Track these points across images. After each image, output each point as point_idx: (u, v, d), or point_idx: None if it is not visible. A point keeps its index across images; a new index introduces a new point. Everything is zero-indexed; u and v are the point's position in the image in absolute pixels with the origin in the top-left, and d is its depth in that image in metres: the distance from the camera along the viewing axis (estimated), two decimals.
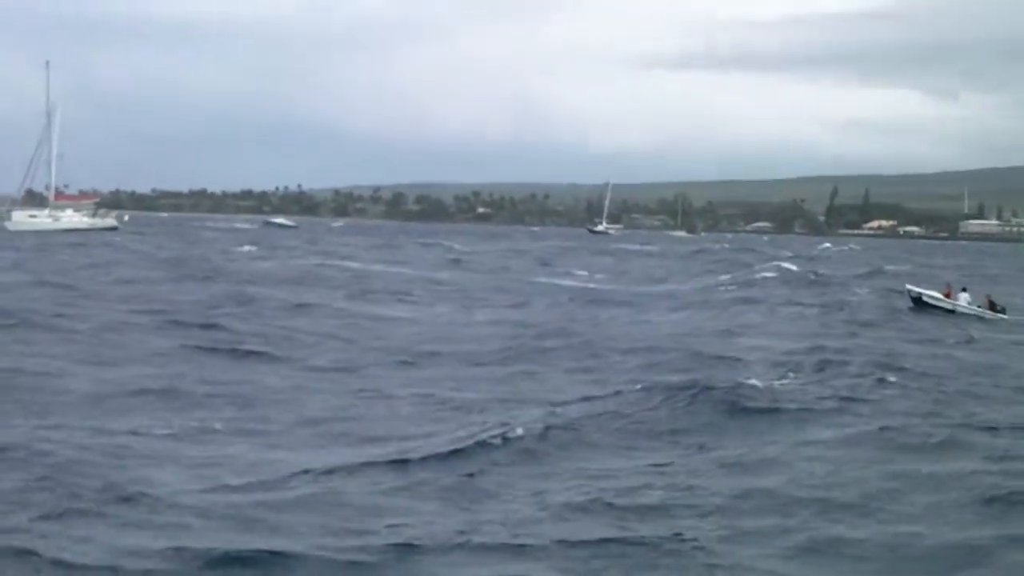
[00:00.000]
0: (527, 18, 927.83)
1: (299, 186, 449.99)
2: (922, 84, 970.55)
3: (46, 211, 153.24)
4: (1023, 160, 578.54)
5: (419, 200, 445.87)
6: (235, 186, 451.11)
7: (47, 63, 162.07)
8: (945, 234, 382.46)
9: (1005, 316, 60.38)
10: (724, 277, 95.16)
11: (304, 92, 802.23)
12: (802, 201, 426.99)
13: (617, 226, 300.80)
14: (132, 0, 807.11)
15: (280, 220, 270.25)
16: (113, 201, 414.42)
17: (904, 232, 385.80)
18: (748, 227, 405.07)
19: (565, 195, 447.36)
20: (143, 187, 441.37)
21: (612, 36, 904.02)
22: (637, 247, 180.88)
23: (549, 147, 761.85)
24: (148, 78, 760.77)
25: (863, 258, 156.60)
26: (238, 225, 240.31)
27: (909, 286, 66.75)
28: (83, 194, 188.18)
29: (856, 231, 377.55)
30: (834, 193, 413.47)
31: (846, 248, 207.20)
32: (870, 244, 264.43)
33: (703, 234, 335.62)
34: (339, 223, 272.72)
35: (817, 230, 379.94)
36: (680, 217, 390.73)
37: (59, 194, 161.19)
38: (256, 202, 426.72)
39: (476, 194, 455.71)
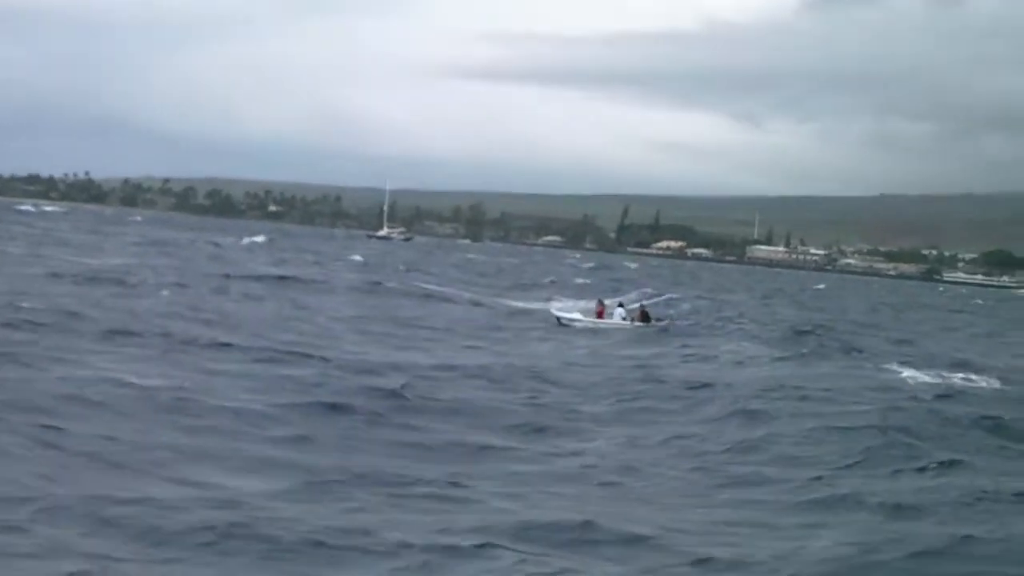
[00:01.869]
0: (336, 21, 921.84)
1: (87, 173, 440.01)
2: (728, 109, 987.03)
3: None
4: (817, 189, 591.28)
5: (210, 195, 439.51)
6: (23, 170, 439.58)
7: None
8: (732, 258, 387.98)
9: (663, 324, 61.90)
10: None
11: (100, 80, 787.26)
12: (593, 218, 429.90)
13: (400, 230, 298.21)
14: None
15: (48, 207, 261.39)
16: None
17: (692, 254, 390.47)
18: (539, 240, 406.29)
19: (362, 199, 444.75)
20: None
21: (420, 44, 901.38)
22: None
23: (349, 151, 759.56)
24: None
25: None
26: None
27: (554, 311, 66.02)
28: None
29: (645, 250, 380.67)
30: (625, 212, 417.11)
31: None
32: (648, 263, 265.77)
33: (488, 243, 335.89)
34: (138, 217, 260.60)
35: (607, 247, 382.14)
36: (462, 226, 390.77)
37: None
38: (43, 187, 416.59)
39: (268, 192, 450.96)
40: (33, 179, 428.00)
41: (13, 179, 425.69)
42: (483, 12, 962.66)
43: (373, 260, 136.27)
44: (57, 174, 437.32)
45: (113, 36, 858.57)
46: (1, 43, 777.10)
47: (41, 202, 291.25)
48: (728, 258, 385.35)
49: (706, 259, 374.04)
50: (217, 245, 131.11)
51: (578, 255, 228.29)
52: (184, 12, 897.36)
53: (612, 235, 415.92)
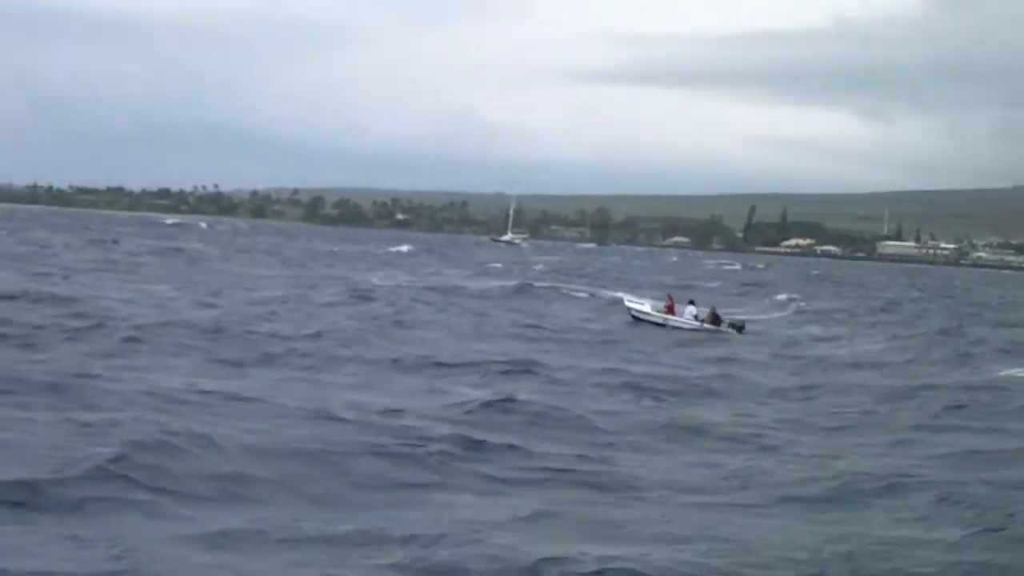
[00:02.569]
0: (461, 27, 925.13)
1: (216, 186, 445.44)
2: (856, 105, 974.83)
3: None
4: (947, 183, 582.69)
5: (337, 205, 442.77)
6: (155, 184, 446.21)
7: None
8: (862, 254, 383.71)
9: (726, 330, 58.67)
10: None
11: (227, 93, 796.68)
12: (720, 217, 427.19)
13: (523, 235, 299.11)
14: None
15: (173, 220, 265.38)
16: (30, 196, 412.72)
17: (821, 251, 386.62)
18: (666, 241, 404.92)
19: (490, 205, 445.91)
20: (62, 183, 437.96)
21: (545, 49, 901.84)
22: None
23: (474, 158, 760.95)
24: (75, 73, 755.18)
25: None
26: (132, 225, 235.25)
27: (627, 302, 65.21)
28: None
29: (773, 249, 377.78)
30: (752, 211, 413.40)
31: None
32: (769, 260, 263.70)
33: (613, 245, 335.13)
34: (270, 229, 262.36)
35: (735, 247, 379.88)
36: (590, 229, 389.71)
37: None
38: (173, 201, 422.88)
39: (395, 200, 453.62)
40: (163, 193, 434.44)
41: (145, 193, 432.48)
42: (606, 14, 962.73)
43: (556, 266, 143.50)
44: (187, 188, 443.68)
45: (239, 49, 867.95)
46: (129, 59, 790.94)
47: (169, 217, 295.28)
48: (858, 254, 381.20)
49: (835, 256, 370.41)
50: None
51: (727, 259, 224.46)
52: (309, 22, 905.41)
53: (739, 234, 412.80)
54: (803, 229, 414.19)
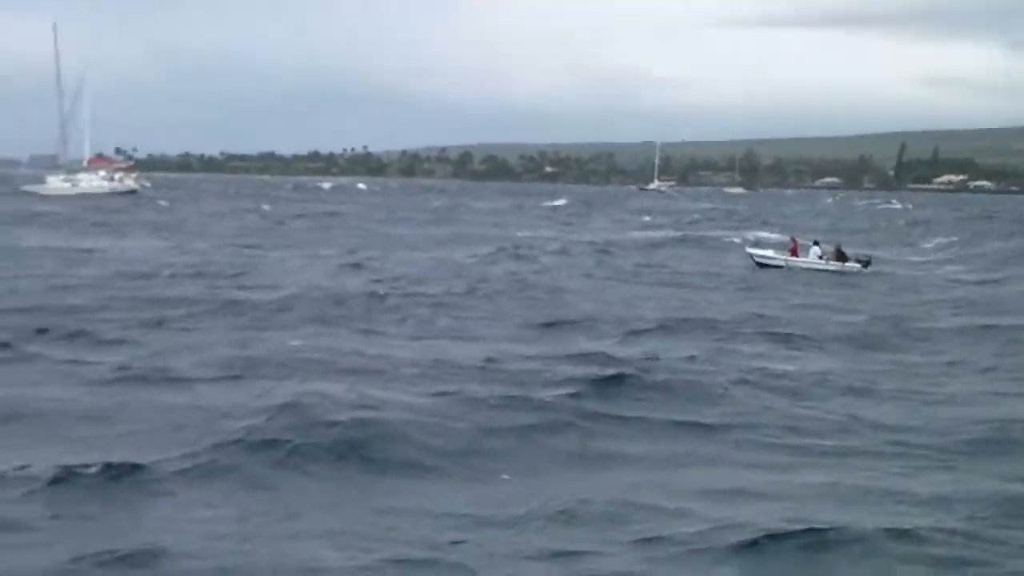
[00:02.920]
0: None
1: (365, 147, 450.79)
2: (1005, 38, 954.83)
3: (60, 176, 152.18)
4: None
5: (485, 160, 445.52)
6: (304, 148, 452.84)
7: (54, 26, 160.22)
8: (1016, 188, 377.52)
9: (857, 267, 57.95)
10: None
11: (373, 54, 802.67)
12: (870, 157, 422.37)
13: (670, 183, 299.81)
14: None
15: (328, 184, 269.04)
16: (182, 163, 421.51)
17: (974, 187, 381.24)
18: (816, 183, 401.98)
19: (638, 154, 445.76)
20: (213, 150, 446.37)
21: None
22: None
23: (621, 108, 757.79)
24: (222, 41, 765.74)
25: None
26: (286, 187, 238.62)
27: (749, 249, 65.59)
28: (118, 159, 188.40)
29: (925, 186, 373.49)
30: (903, 149, 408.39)
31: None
32: (915, 199, 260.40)
33: (761, 190, 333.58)
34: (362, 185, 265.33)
35: (886, 185, 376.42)
36: (737, 173, 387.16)
37: (94, 158, 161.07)
38: (324, 164, 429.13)
39: (542, 154, 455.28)
40: (314, 156, 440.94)
41: (296, 158, 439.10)
42: None
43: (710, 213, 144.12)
44: (336, 150, 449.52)
45: (384, 9, 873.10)
46: (276, 26, 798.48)
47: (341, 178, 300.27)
48: (1012, 188, 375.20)
49: (989, 191, 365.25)
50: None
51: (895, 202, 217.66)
52: None
53: (890, 173, 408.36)
54: (955, 166, 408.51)
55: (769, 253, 62.23)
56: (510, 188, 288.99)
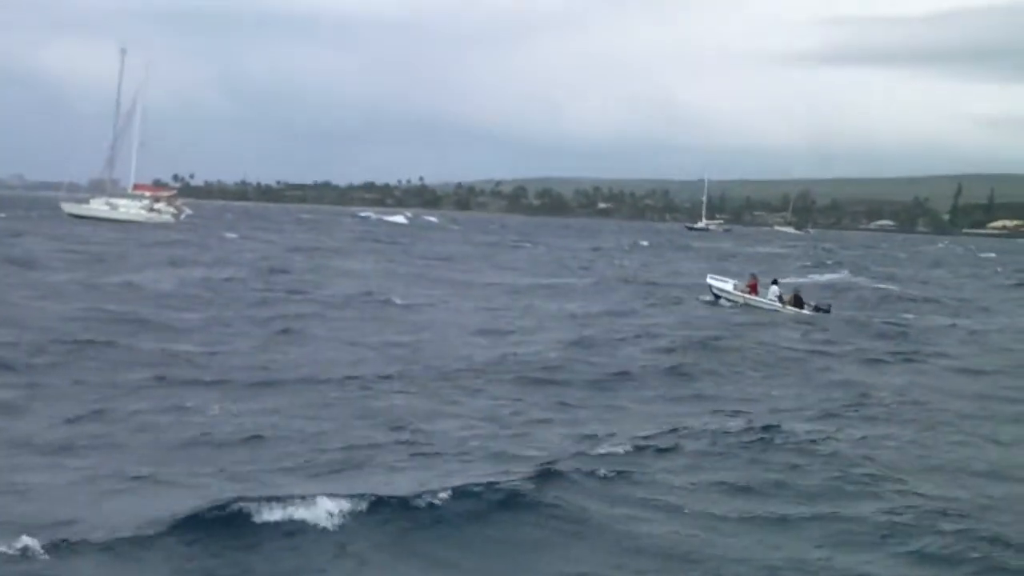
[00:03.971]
0: (661, 13, 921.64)
1: (421, 179, 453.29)
2: None
3: (102, 199, 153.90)
4: None
5: (540, 195, 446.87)
6: (360, 179, 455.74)
7: (123, 51, 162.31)
8: None
9: (809, 313, 56.22)
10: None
11: (432, 86, 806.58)
12: (925, 199, 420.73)
13: (718, 222, 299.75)
14: None
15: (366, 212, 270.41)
16: (239, 191, 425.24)
17: None
18: (870, 225, 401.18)
19: (696, 191, 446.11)
20: (270, 178, 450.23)
21: (752, 33, 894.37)
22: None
23: (678, 144, 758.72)
24: (281, 71, 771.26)
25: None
26: (304, 217, 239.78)
27: (710, 279, 63.42)
28: (160, 185, 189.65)
29: (980, 231, 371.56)
30: (958, 191, 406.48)
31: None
32: (976, 244, 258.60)
33: (811, 231, 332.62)
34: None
35: (940, 229, 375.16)
36: (791, 214, 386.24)
37: (137, 185, 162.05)
38: (379, 195, 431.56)
39: (597, 189, 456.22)
40: (369, 187, 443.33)
41: (351, 188, 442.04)
42: None
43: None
44: (392, 181, 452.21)
45: (444, 42, 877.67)
46: (335, 55, 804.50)
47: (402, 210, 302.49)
48: None
49: None
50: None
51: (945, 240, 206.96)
52: (512, 13, 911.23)
53: (945, 216, 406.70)
54: (1012, 210, 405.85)
55: (728, 287, 61.00)
56: (575, 224, 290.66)
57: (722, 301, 59.50)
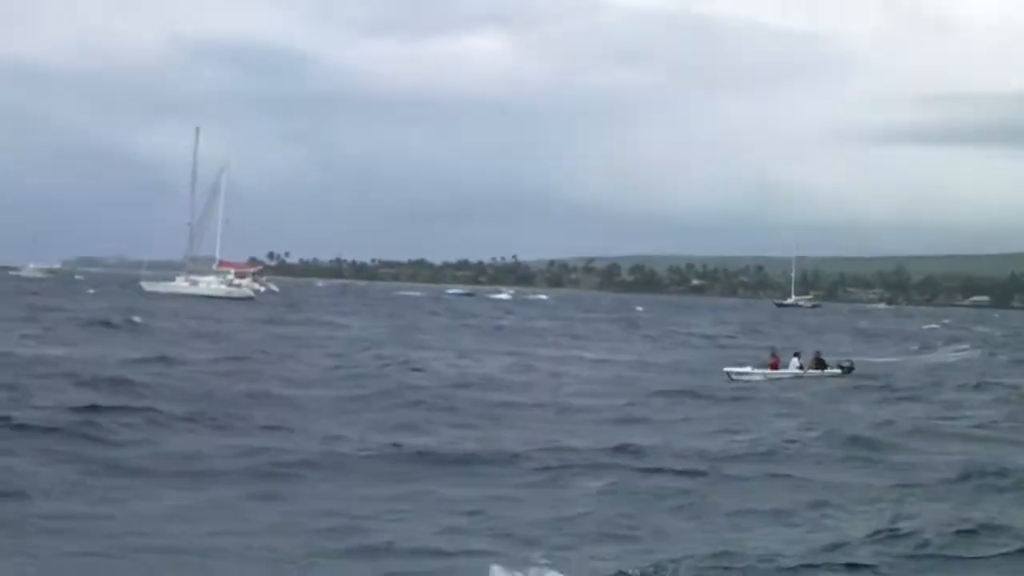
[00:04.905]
0: (751, 93, 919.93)
1: (514, 256, 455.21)
2: None
3: (184, 277, 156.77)
4: None
5: (633, 271, 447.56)
6: (453, 257, 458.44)
7: (197, 130, 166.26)
8: None
9: (833, 371, 57.99)
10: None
11: (525, 164, 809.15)
12: (1021, 274, 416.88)
13: (807, 298, 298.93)
14: (373, 77, 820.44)
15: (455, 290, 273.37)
16: (334, 269, 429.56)
17: None
18: (965, 301, 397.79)
19: (790, 267, 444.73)
20: (364, 256, 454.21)
21: (840, 111, 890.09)
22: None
23: (772, 221, 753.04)
24: (381, 151, 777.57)
25: None
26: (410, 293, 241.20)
27: (726, 369, 61.02)
28: (250, 262, 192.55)
29: None
30: None
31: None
32: None
33: (902, 305, 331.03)
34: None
35: None
36: (886, 289, 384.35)
37: (223, 262, 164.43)
38: (473, 272, 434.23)
39: (690, 266, 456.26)
40: (463, 264, 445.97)
41: (445, 266, 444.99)
42: (899, 75, 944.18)
43: None
44: (485, 259, 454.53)
45: (539, 120, 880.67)
46: (428, 136, 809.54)
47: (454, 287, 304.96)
48: None
49: None
50: None
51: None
52: (609, 91, 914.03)
53: None
54: None
55: (746, 369, 60.24)
56: (679, 303, 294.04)
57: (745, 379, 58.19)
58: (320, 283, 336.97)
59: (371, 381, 46.88)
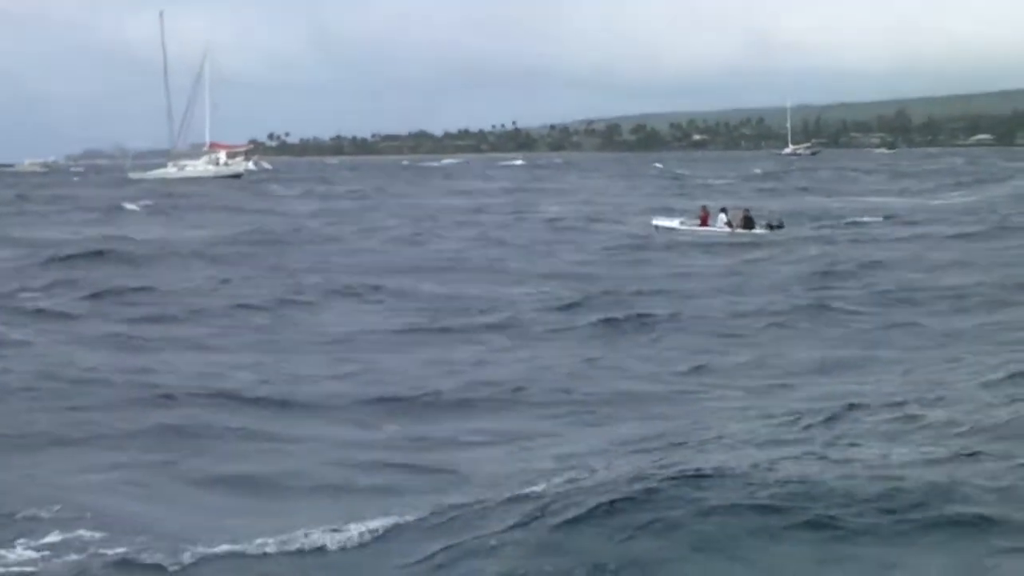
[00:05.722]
0: None
1: (514, 123, 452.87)
2: None
3: (172, 163, 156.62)
4: None
5: (634, 131, 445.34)
6: (454, 127, 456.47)
7: (161, 14, 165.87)
8: None
9: (760, 232, 56.98)
10: None
11: (523, 32, 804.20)
12: None
13: (805, 146, 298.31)
14: None
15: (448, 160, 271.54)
16: (335, 146, 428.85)
17: None
18: (968, 140, 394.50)
19: (795, 117, 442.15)
20: (364, 132, 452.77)
21: None
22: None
23: (770, 72, 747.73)
24: (374, 23, 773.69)
25: None
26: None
27: (654, 221, 62.35)
28: (239, 143, 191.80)
29: None
30: None
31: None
32: None
33: (902, 148, 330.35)
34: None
35: None
36: (888, 134, 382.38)
37: (214, 143, 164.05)
38: (474, 141, 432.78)
39: (691, 122, 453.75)
40: (463, 134, 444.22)
41: (446, 136, 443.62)
42: None
43: None
44: (485, 127, 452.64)
45: None
46: (430, 7, 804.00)
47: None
48: None
49: None
50: None
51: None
52: None
53: None
54: None
55: (674, 223, 60.56)
56: (687, 157, 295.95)
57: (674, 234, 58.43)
58: (334, 160, 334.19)
59: None
